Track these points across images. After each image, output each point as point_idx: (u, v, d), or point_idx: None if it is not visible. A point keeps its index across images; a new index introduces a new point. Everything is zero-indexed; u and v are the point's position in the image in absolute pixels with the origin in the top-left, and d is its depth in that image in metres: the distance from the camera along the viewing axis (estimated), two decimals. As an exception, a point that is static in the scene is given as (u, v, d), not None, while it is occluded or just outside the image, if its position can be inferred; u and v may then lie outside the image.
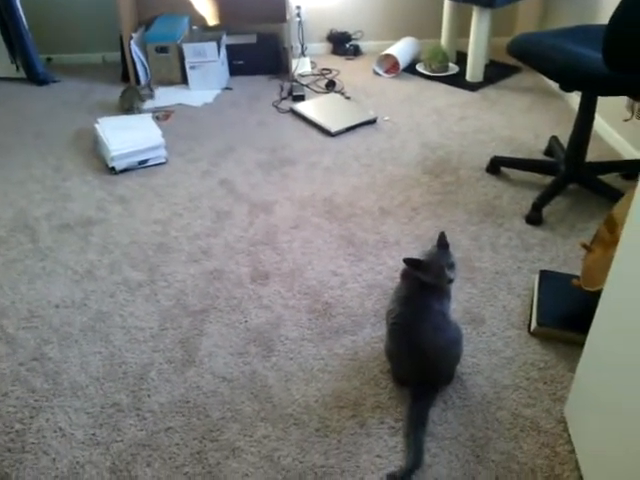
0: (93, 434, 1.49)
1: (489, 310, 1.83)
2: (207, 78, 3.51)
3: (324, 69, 3.74)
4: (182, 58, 3.48)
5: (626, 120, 2.59)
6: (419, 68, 3.66)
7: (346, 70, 3.74)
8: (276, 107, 3.28)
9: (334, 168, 2.66)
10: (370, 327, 1.79)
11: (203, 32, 3.74)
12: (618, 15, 1.72)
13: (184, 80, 3.57)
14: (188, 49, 3.43)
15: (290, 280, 1.98)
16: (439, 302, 1.51)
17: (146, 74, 3.58)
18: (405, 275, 1.56)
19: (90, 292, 1.96)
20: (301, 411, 1.54)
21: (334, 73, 3.69)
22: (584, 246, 1.79)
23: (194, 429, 1.50)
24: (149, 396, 1.59)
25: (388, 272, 2.00)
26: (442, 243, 1.49)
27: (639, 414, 1.07)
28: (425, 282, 1.48)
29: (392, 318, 1.52)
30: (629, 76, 1.86)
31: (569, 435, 1.45)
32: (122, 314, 1.87)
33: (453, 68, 3.64)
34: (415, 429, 1.45)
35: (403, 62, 3.63)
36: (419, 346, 1.47)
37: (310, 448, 1.44)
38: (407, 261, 1.48)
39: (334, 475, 1.38)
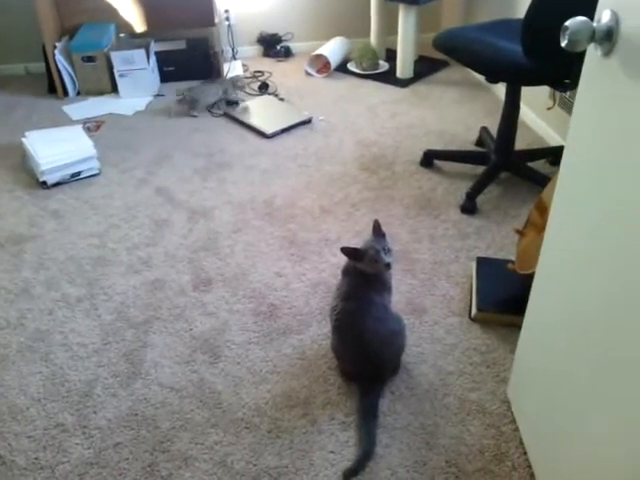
0: (36, 458, 1.44)
1: (430, 299, 1.88)
2: (138, 86, 3.45)
3: (256, 72, 3.73)
4: (110, 67, 3.41)
5: (549, 108, 2.70)
6: (350, 67, 3.71)
7: (278, 72, 3.74)
8: (210, 112, 3.25)
9: (272, 170, 2.66)
10: (316, 325, 1.80)
11: (131, 39, 3.66)
12: (533, 8, 1.79)
13: (114, 89, 3.49)
14: (116, 57, 3.36)
15: (234, 285, 1.97)
16: (380, 295, 1.54)
17: (74, 84, 3.49)
18: (346, 271, 1.58)
19: (26, 311, 1.90)
20: (252, 414, 1.53)
21: (266, 75, 3.69)
22: (517, 231, 1.86)
23: (144, 442, 1.47)
24: (95, 413, 1.55)
25: (331, 269, 2.02)
26: (377, 231, 1.52)
27: (572, 388, 1.12)
28: (365, 274, 1.51)
29: (335, 314, 1.54)
30: (547, 66, 1.94)
31: (512, 414, 1.50)
32: (62, 331, 1.81)
33: (383, 65, 3.70)
34: (366, 422, 1.47)
35: (334, 62, 3.67)
36: (363, 340, 1.49)
37: (263, 450, 1.44)
38: (344, 250, 1.50)
39: (288, 475, 1.38)
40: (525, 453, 1.40)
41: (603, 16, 0.91)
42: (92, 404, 1.57)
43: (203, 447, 1.46)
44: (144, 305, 1.91)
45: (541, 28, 1.77)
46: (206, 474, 1.39)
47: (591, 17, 0.94)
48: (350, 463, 1.39)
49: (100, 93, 3.51)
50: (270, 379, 1.63)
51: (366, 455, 1.39)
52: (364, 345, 1.49)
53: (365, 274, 1.52)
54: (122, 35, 3.66)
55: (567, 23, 0.90)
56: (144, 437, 1.48)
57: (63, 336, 1.80)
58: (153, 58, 3.55)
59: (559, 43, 0.93)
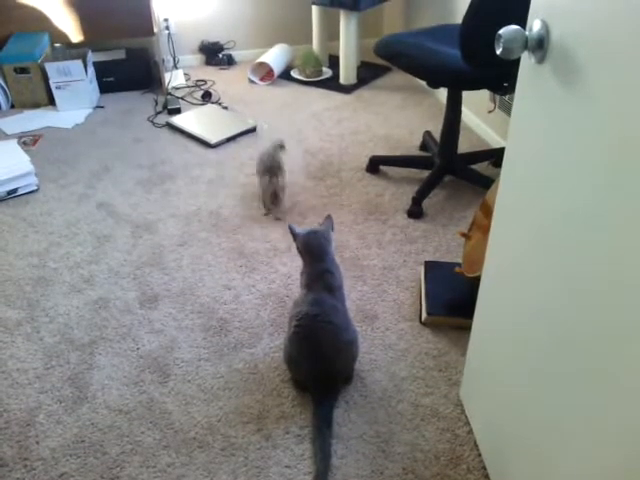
0: (-24, 495, 1.37)
1: (381, 305, 1.88)
2: (76, 98, 3.34)
3: (199, 80, 3.69)
4: (46, 78, 3.29)
5: (490, 111, 2.75)
6: (294, 74, 3.70)
7: (221, 80, 3.70)
8: (152, 122, 3.18)
9: (217, 180, 2.62)
10: (268, 337, 1.77)
11: (66, 50, 3.55)
12: (469, 16, 1.82)
13: (51, 101, 3.38)
14: (51, 69, 3.25)
15: (181, 300, 1.93)
16: (343, 305, 1.57)
17: (7, 97, 3.36)
18: (309, 286, 1.56)
19: (-39, 338, 1.80)
20: (204, 433, 1.49)
21: (209, 84, 3.64)
22: (462, 234, 1.88)
23: (92, 470, 1.41)
24: (38, 443, 1.47)
25: (281, 280, 2.00)
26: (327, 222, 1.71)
27: (519, 389, 1.13)
28: (331, 286, 1.56)
29: (297, 320, 1.51)
30: (486, 71, 1.98)
31: (466, 417, 1.51)
32: (0, 358, 1.73)
33: (327, 72, 3.71)
34: (321, 434, 1.45)
35: (277, 69, 3.65)
36: (320, 344, 1.48)
37: (217, 469, 1.41)
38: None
39: (244, 494, 1.35)
40: (480, 455, 1.41)
41: (534, 25, 0.93)
42: (34, 434, 1.50)
43: (155, 470, 1.41)
44: (89, 325, 1.84)
45: (478, 35, 1.80)
46: (158, 499, 1.35)
47: (526, 24, 0.96)
48: None
49: (36, 106, 3.39)
50: (222, 395, 1.59)
51: (325, 471, 1.37)
52: (320, 350, 1.48)
53: (331, 286, 1.55)
54: (57, 45, 3.54)
55: (501, 32, 0.91)
56: (92, 465, 1.42)
57: (1, 363, 1.71)
58: (91, 69, 3.45)
59: (495, 50, 0.94)
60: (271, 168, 2.26)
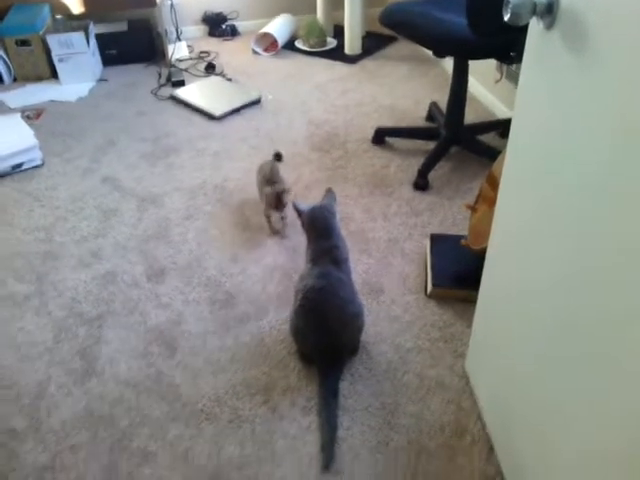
0: (-11, 465, 1.39)
1: (386, 278, 1.88)
2: (79, 71, 3.31)
3: (202, 52, 3.64)
4: (48, 51, 3.26)
5: (497, 81, 2.71)
6: (298, 44, 3.65)
7: (225, 51, 3.66)
8: (155, 95, 3.16)
9: (222, 153, 2.60)
10: (274, 310, 1.78)
11: (68, 22, 3.51)
12: (476, -19, 1.78)
13: (53, 74, 3.35)
14: (53, 41, 3.22)
15: (188, 273, 1.93)
16: (349, 277, 1.57)
17: (9, 70, 3.33)
18: (315, 260, 1.56)
19: (-29, 313, 1.82)
20: (212, 405, 1.51)
21: (213, 55, 3.60)
22: (468, 207, 1.87)
23: (102, 441, 1.44)
24: (49, 415, 1.50)
25: (287, 253, 2.00)
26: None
27: (523, 360, 1.14)
28: (337, 259, 1.56)
29: (303, 293, 1.52)
30: (493, 39, 1.94)
31: (471, 388, 1.52)
32: (9, 331, 1.75)
33: (331, 42, 3.66)
34: (327, 405, 1.46)
35: (281, 40, 3.60)
36: (326, 316, 1.49)
37: (224, 441, 1.43)
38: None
39: (251, 465, 1.37)
40: (484, 427, 1.43)
41: (544, -11, 0.90)
42: (45, 406, 1.52)
43: (163, 442, 1.43)
44: (96, 299, 1.85)
45: (484, 2, 1.76)
46: (167, 469, 1.37)
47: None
48: (322, 457, 1.38)
49: (38, 79, 3.36)
50: (229, 368, 1.61)
51: (331, 441, 1.39)
52: (326, 322, 1.49)
53: (337, 259, 1.55)
54: (58, 17, 3.50)
55: (509, -4, 0.89)
56: (101, 436, 1.45)
57: (10, 337, 1.73)
58: (93, 41, 3.41)
59: (503, 17, 0.92)
60: (271, 178, 2.11)
